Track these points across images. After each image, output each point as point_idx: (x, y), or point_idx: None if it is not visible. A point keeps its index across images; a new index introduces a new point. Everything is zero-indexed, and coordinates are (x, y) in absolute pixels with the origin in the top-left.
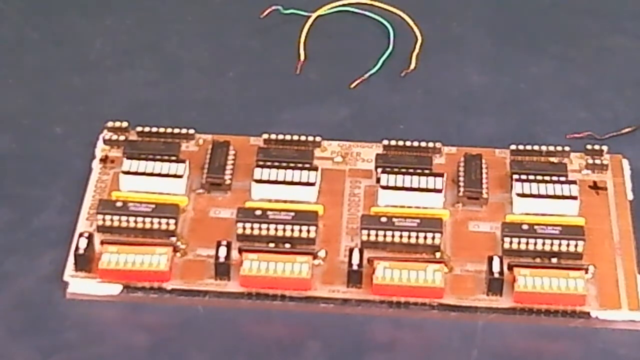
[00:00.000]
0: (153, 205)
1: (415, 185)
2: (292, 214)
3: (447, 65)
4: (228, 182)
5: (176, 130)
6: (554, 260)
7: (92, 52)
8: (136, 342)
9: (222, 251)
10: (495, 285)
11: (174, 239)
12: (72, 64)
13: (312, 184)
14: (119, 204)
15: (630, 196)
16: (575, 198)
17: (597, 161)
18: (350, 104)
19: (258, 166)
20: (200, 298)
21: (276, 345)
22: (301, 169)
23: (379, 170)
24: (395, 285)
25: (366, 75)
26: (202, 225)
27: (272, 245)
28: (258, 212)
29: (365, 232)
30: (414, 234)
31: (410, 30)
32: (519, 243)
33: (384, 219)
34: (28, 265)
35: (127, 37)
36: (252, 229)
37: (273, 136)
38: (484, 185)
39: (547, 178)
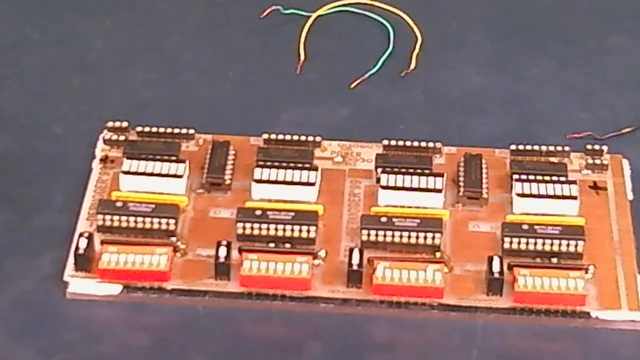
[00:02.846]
0: (153, 205)
1: (415, 185)
2: (292, 214)
3: (447, 65)
4: (228, 182)
5: (176, 130)
6: (554, 260)
7: (92, 52)
8: (136, 342)
9: (222, 251)
10: (495, 285)
11: (174, 239)
12: (72, 64)
13: (312, 184)
14: (119, 204)
15: (630, 196)
16: (575, 198)
17: (597, 161)
18: (350, 104)
19: (258, 166)
20: (200, 298)
21: (276, 345)
22: (301, 169)
23: (379, 170)
24: (395, 285)
25: (366, 75)
26: (202, 225)
27: (272, 245)
28: (258, 212)
29: (365, 232)
30: (414, 234)
31: (410, 30)
32: (519, 243)
33: (384, 219)
34: (28, 265)
35: (127, 37)
36: (252, 229)
37: (273, 136)
38: (484, 185)
39: (547, 178)
